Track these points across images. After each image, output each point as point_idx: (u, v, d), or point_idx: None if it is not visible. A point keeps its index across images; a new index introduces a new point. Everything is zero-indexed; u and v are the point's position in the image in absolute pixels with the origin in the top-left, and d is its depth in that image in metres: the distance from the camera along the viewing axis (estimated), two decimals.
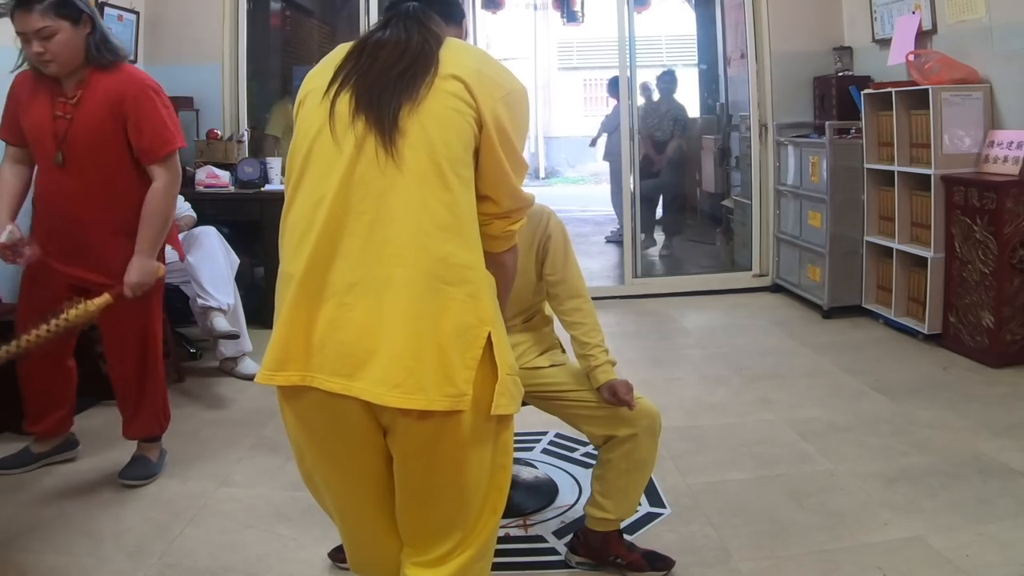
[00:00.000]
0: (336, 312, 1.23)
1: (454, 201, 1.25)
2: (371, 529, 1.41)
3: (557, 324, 2.21)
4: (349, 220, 1.25)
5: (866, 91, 4.39)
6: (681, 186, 6.97)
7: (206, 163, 4.62)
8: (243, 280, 3.82)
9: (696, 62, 7.53)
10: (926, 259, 3.98)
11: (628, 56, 5.35)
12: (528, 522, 2.40)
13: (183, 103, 4.75)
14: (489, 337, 1.25)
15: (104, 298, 2.28)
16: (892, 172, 4.21)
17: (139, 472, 2.67)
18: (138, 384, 2.66)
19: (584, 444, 2.87)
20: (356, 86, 1.30)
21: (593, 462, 2.20)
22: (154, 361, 2.68)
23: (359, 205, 1.25)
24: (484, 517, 1.36)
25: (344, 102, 1.30)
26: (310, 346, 1.24)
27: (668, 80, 6.83)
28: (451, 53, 1.33)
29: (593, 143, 8.01)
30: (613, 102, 6.13)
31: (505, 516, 2.41)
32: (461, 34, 1.52)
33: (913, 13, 4.35)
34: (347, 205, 1.25)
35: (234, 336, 3.58)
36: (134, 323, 2.59)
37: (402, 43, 1.32)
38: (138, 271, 2.46)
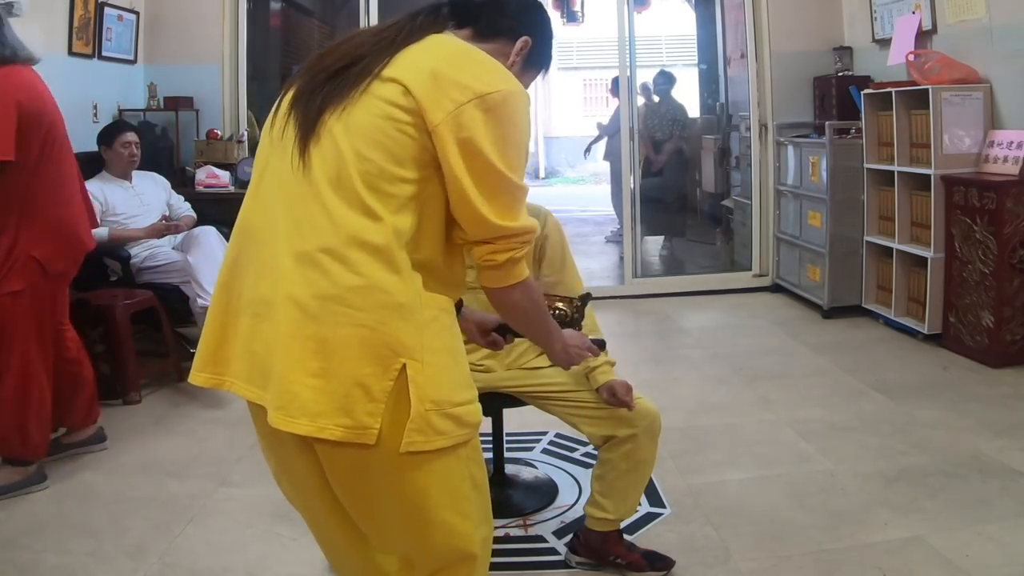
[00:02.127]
0: (251, 322, 1.18)
1: (375, 220, 1.12)
2: (335, 538, 1.36)
3: None
4: (265, 228, 1.19)
5: (866, 91, 4.39)
6: (681, 186, 6.97)
7: (206, 163, 4.63)
8: None
9: (696, 62, 7.53)
10: (926, 259, 3.97)
11: (628, 56, 5.35)
12: (528, 522, 2.40)
13: (183, 103, 4.76)
14: (404, 369, 1.12)
15: None
16: (892, 172, 4.21)
17: None
18: None
19: (584, 444, 2.87)
20: (300, 81, 1.23)
21: (593, 462, 2.20)
22: (7, 370, 2.50)
23: (273, 213, 1.18)
24: (468, 553, 1.26)
25: (287, 99, 1.24)
26: (231, 351, 1.21)
27: (663, 81, 6.83)
28: (414, 52, 1.19)
29: (588, 150, 7.99)
30: (615, 102, 6.14)
31: (505, 516, 2.43)
32: (506, 55, 1.32)
33: (913, 13, 4.34)
34: (264, 211, 1.20)
35: None
36: None
37: (370, 38, 1.21)
38: None
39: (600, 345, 1.76)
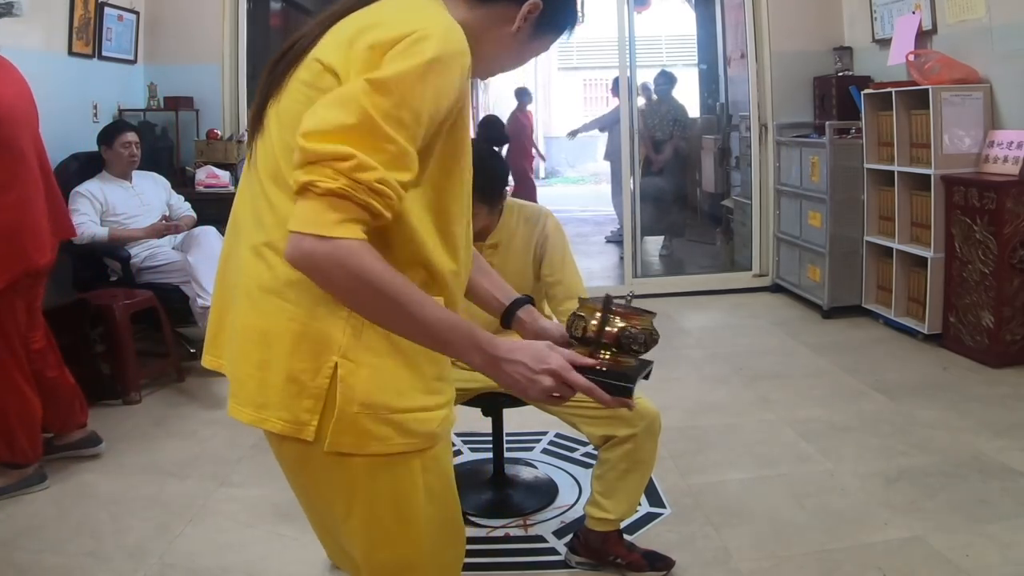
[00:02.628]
0: (232, 312, 1.19)
1: None
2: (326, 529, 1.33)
3: None
4: (239, 221, 1.21)
5: (866, 91, 4.39)
6: (681, 186, 6.97)
7: (206, 163, 4.62)
8: None
9: (696, 62, 7.53)
10: (926, 259, 3.97)
11: (628, 56, 5.35)
12: (528, 522, 2.40)
13: (183, 103, 4.76)
14: (336, 368, 1.07)
15: None
16: (892, 172, 4.21)
17: None
18: None
19: (584, 444, 2.87)
20: (265, 73, 1.20)
21: (593, 462, 2.20)
22: None
23: (245, 206, 1.20)
24: (412, 563, 1.19)
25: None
26: (226, 336, 1.23)
27: (664, 81, 6.84)
28: (350, 20, 1.09)
29: (572, 134, 8.12)
30: (615, 101, 6.16)
31: (505, 516, 2.43)
32: (510, 19, 1.15)
33: (913, 13, 4.34)
34: (241, 204, 1.22)
35: None
36: None
37: (324, 13, 1.14)
38: None
39: (628, 384, 1.17)
